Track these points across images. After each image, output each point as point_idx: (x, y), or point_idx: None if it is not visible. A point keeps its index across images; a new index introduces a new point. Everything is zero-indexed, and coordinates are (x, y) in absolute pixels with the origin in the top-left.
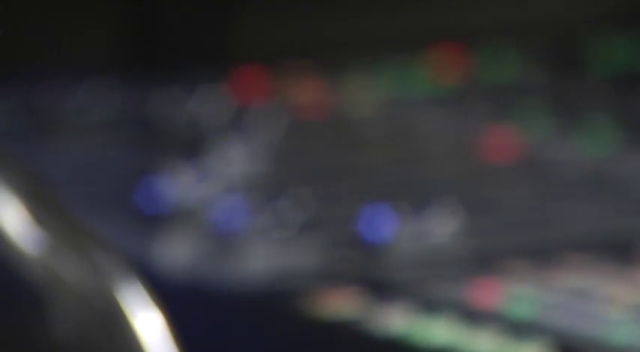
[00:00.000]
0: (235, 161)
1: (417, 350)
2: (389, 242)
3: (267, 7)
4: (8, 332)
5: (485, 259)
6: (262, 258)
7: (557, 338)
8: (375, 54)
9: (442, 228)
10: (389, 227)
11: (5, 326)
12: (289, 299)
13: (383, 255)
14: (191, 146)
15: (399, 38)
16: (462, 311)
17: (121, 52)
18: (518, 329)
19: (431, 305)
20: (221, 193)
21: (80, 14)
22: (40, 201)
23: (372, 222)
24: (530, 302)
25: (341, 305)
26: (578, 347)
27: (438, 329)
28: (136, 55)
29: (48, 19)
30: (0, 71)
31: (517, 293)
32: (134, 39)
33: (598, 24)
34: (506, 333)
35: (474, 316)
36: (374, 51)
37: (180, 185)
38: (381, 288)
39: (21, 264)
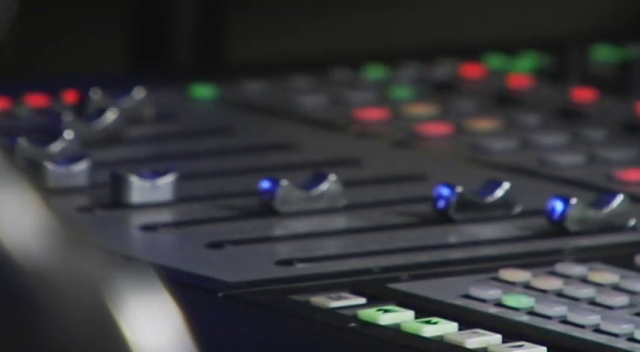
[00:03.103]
0: None
1: (416, 348)
2: None
3: (264, 14)
4: (8, 333)
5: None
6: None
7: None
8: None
9: None
10: None
11: (5, 327)
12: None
13: None
14: None
15: (400, 49)
16: (457, 310)
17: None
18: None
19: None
20: None
21: (89, 21)
22: (46, 210)
23: None
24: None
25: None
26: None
27: (435, 329)
28: (141, 61)
29: (61, 26)
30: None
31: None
32: (140, 47)
33: (585, 37)
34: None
35: (470, 315)
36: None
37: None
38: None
39: (23, 268)
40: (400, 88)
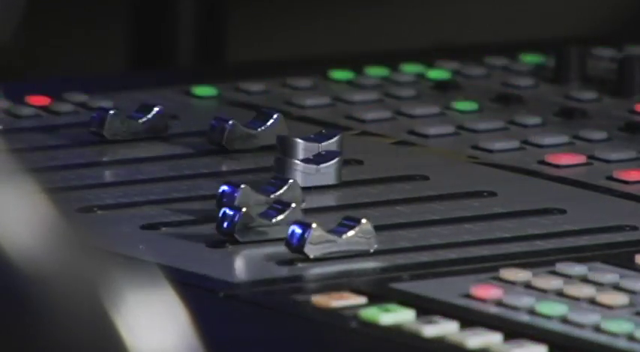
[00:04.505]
0: None
1: (416, 348)
2: None
3: (264, 14)
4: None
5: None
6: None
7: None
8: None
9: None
10: None
11: (6, 327)
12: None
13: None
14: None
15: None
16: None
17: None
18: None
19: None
20: None
21: (90, 22)
22: (46, 211)
23: None
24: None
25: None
26: (574, 346)
27: (435, 329)
28: (142, 58)
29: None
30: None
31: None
32: (142, 45)
33: (585, 38)
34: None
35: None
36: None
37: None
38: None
39: (23, 269)
40: (400, 88)
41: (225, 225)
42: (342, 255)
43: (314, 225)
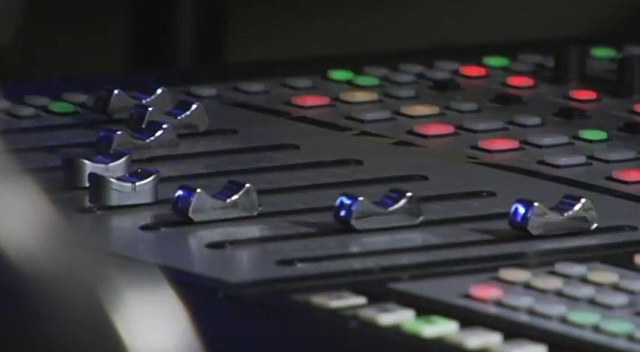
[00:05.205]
0: None
1: (416, 348)
2: None
3: (265, 14)
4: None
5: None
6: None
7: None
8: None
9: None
10: None
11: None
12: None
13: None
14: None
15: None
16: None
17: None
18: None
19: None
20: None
21: (90, 23)
22: (46, 211)
23: None
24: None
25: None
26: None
27: (435, 328)
28: (141, 57)
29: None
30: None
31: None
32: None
33: (585, 38)
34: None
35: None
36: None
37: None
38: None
39: (23, 269)
40: (400, 88)
41: (342, 213)
42: (564, 232)
43: (536, 204)
